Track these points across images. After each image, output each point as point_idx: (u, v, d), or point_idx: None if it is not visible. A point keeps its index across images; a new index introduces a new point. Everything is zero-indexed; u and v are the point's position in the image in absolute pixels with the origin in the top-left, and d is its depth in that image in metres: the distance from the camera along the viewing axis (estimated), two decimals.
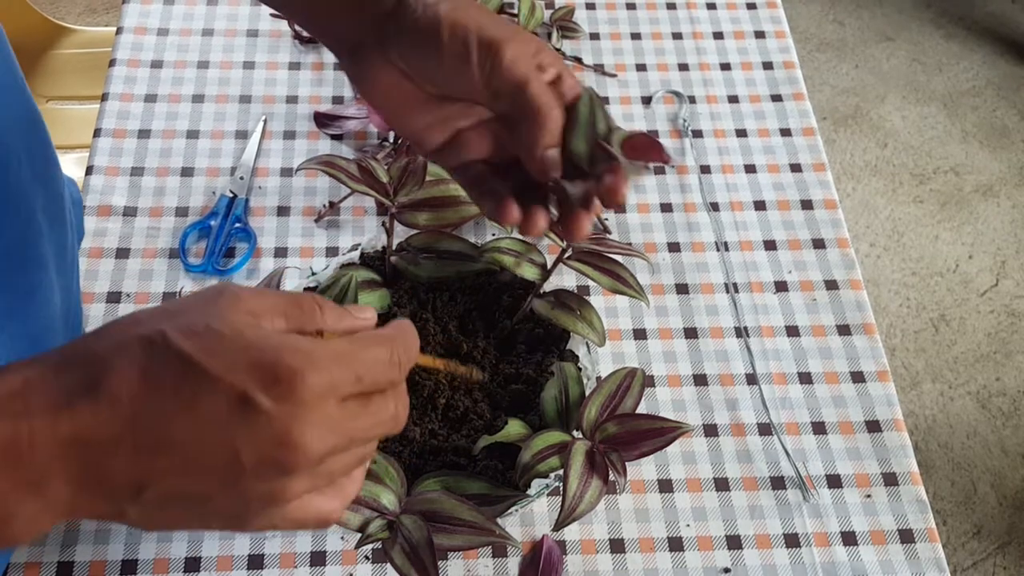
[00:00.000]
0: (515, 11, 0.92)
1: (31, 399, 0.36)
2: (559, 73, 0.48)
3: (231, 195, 0.81)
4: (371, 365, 0.39)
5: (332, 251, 0.78)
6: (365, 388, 0.39)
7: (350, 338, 0.41)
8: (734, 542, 0.66)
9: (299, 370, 0.36)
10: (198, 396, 0.36)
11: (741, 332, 0.76)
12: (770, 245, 0.81)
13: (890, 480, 0.69)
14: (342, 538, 0.65)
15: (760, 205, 0.83)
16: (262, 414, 0.36)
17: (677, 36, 0.94)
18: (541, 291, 0.66)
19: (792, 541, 0.66)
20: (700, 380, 0.73)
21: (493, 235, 0.76)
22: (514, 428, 0.60)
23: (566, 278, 0.77)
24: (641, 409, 0.61)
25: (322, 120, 0.86)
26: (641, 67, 0.92)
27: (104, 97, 0.87)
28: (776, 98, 0.90)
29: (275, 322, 0.39)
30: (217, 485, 0.37)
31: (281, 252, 0.78)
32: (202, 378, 0.36)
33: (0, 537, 0.36)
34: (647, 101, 0.89)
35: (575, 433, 0.60)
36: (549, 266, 0.65)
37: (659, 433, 0.59)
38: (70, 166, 1.25)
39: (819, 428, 0.71)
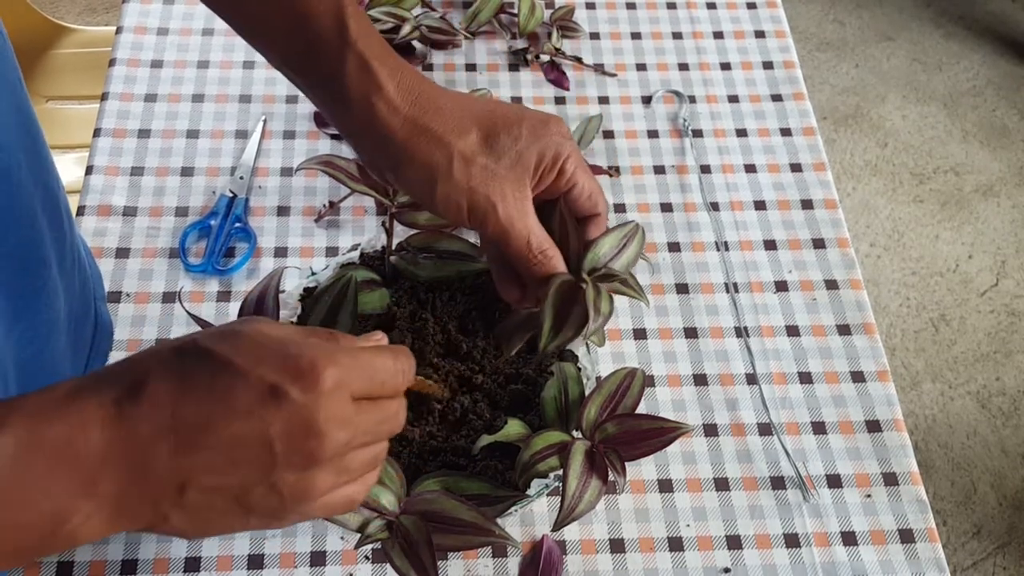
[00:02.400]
0: (515, 11, 0.92)
1: (83, 404, 0.38)
2: (573, 185, 0.52)
3: (231, 195, 0.81)
4: (380, 368, 0.43)
5: (332, 251, 0.78)
6: (374, 389, 0.43)
7: (359, 346, 0.44)
8: (734, 542, 0.66)
9: (319, 363, 0.40)
10: (231, 391, 0.39)
11: (741, 332, 0.76)
12: (770, 245, 0.81)
13: (890, 480, 0.69)
14: (342, 538, 0.65)
15: (760, 205, 0.83)
16: (290, 403, 0.39)
17: (677, 36, 0.94)
18: None
19: (792, 541, 0.66)
20: (700, 380, 0.73)
21: None
22: (514, 428, 0.60)
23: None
24: (641, 409, 0.61)
25: (322, 120, 0.86)
26: (641, 67, 0.92)
27: (104, 97, 0.87)
28: (776, 98, 0.90)
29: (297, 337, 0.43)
30: (253, 477, 0.39)
31: (281, 252, 0.78)
32: (233, 374, 0.39)
33: (57, 537, 0.38)
34: (647, 101, 0.89)
35: (575, 433, 0.60)
36: None
37: (659, 433, 0.59)
38: (70, 166, 1.25)
39: (819, 428, 0.71)
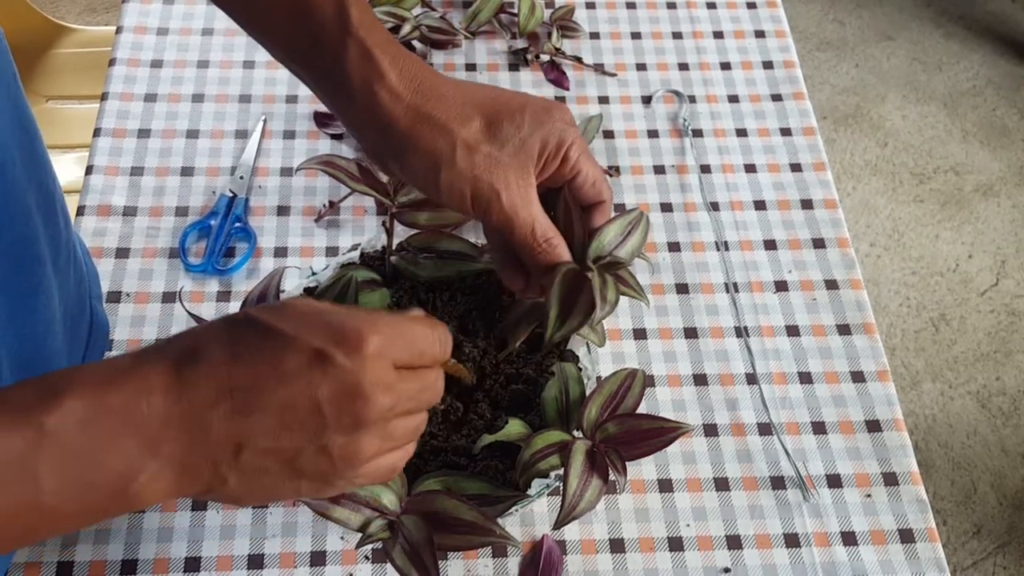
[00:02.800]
0: (515, 11, 0.92)
1: (146, 369, 0.41)
2: (577, 172, 0.52)
3: (231, 195, 0.81)
4: (419, 337, 0.45)
5: (332, 251, 0.78)
6: (414, 358, 0.45)
7: (400, 316, 0.46)
8: (734, 542, 0.66)
9: (363, 330, 0.42)
10: (281, 356, 0.41)
11: (741, 332, 0.76)
12: (770, 245, 0.81)
13: (890, 480, 0.69)
14: (342, 538, 0.65)
15: (760, 205, 0.83)
16: (337, 367, 0.41)
17: (677, 36, 0.94)
18: None
19: (792, 541, 0.66)
20: (700, 380, 0.73)
21: None
22: (514, 428, 0.60)
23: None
24: (641, 409, 0.61)
25: (322, 120, 0.86)
26: (641, 67, 0.92)
27: (104, 97, 0.87)
28: (776, 98, 0.90)
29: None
30: (304, 438, 0.41)
31: (281, 252, 0.78)
32: (282, 340, 0.41)
33: (125, 496, 0.40)
34: (647, 101, 0.89)
35: (575, 433, 0.60)
36: None
37: (659, 433, 0.59)
38: (70, 166, 1.25)
39: (819, 428, 0.71)
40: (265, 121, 0.85)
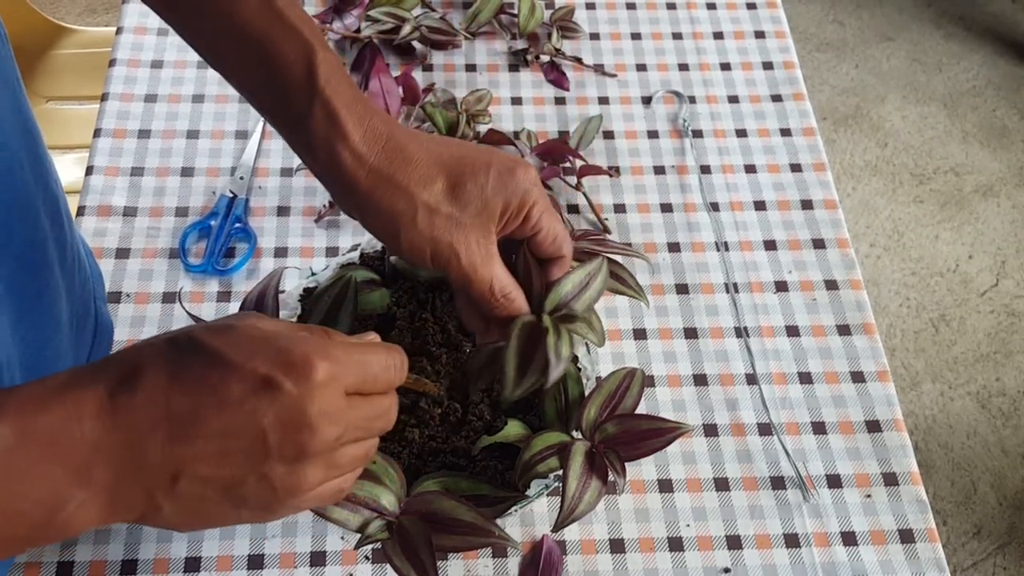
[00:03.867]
0: (515, 11, 0.92)
1: (78, 393, 0.39)
2: (539, 230, 0.52)
3: (231, 195, 0.81)
4: (372, 364, 0.44)
5: (332, 251, 0.78)
6: (367, 385, 0.43)
7: (352, 342, 0.45)
8: (734, 542, 0.66)
9: (312, 356, 0.40)
10: (224, 383, 0.39)
11: (741, 332, 0.76)
12: (770, 245, 0.81)
13: (890, 480, 0.69)
14: (342, 538, 0.65)
15: (760, 205, 0.83)
16: (283, 394, 0.39)
17: (677, 36, 0.94)
18: None
19: (792, 541, 0.66)
20: (700, 380, 0.73)
21: None
22: (513, 428, 0.60)
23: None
24: (641, 409, 0.61)
25: None
26: (641, 67, 0.92)
27: (104, 97, 0.87)
28: (776, 98, 0.90)
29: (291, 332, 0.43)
30: (245, 468, 0.40)
31: (281, 252, 0.78)
32: (227, 366, 0.40)
33: (51, 526, 0.38)
34: (647, 101, 0.90)
35: (575, 433, 0.60)
36: None
37: (659, 433, 0.59)
38: (70, 166, 1.25)
39: (819, 428, 0.71)
40: (265, 122, 0.85)
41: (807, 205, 0.83)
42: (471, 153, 0.51)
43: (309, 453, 0.40)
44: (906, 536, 0.67)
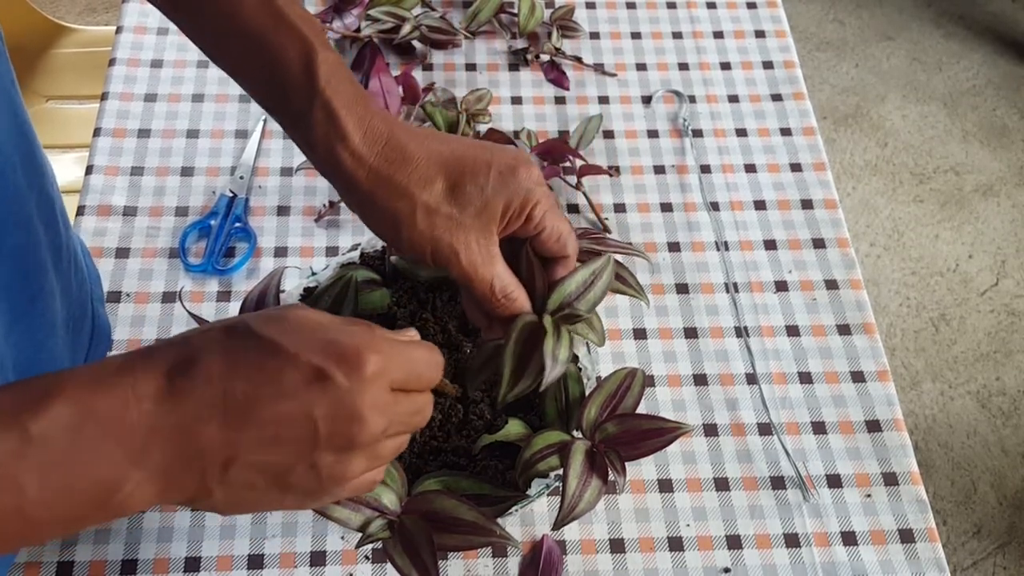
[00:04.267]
0: (515, 11, 0.92)
1: (137, 375, 0.40)
2: (543, 229, 0.52)
3: (231, 195, 0.81)
4: (417, 360, 0.45)
5: (332, 251, 0.78)
6: (410, 381, 0.45)
7: (399, 338, 0.46)
8: (734, 542, 0.66)
9: (364, 350, 0.41)
10: (279, 372, 0.40)
11: (741, 332, 0.76)
12: (770, 245, 0.81)
13: (890, 480, 0.69)
14: (342, 538, 0.65)
15: (760, 205, 0.83)
16: (336, 387, 0.40)
17: (677, 36, 0.94)
18: None
19: (792, 541, 0.66)
20: (700, 380, 0.73)
21: None
22: (514, 428, 0.60)
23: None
24: (641, 409, 0.61)
25: None
26: (641, 67, 0.92)
27: (104, 96, 0.87)
28: (776, 98, 0.90)
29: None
30: (296, 456, 0.41)
31: (281, 252, 0.78)
32: (282, 356, 0.41)
33: (108, 505, 0.39)
34: (647, 101, 0.89)
35: (575, 433, 0.60)
36: None
37: (659, 433, 0.59)
38: (70, 166, 1.25)
39: (819, 428, 0.71)
40: (265, 121, 0.85)
41: (807, 205, 0.83)
42: (472, 151, 0.51)
43: (357, 444, 0.41)
44: (906, 536, 0.67)
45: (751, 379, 0.73)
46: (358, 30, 0.90)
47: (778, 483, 0.69)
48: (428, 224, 0.50)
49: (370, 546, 0.64)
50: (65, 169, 1.24)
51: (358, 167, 0.49)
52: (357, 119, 0.50)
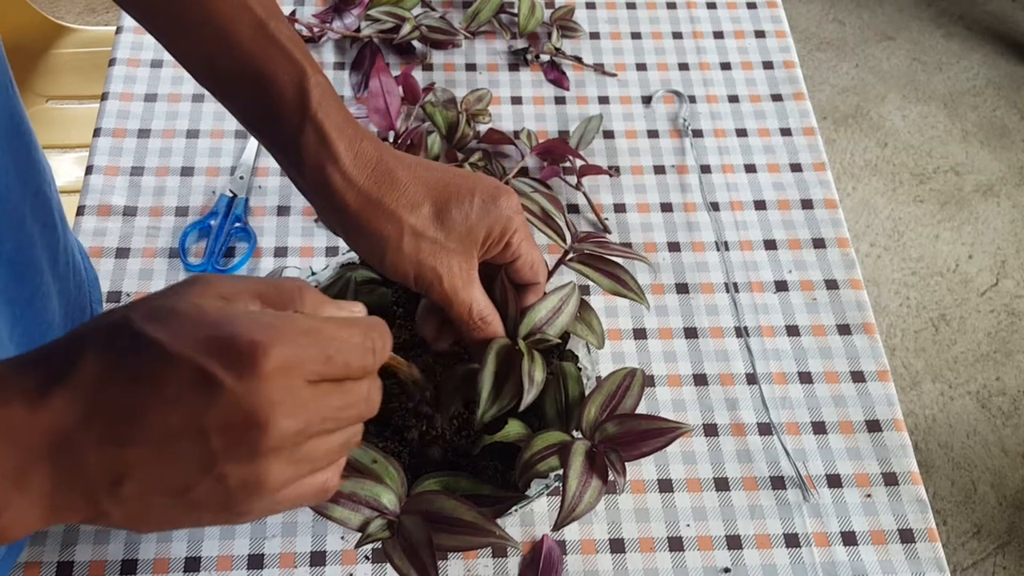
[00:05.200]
0: (515, 11, 0.92)
1: (10, 390, 0.35)
2: (517, 258, 0.55)
3: (231, 195, 0.81)
4: (342, 345, 0.39)
5: (332, 251, 0.78)
6: (336, 370, 0.39)
7: (322, 317, 0.40)
8: (734, 542, 0.66)
9: (261, 343, 0.35)
10: (160, 377, 0.35)
11: (741, 332, 0.76)
12: (770, 245, 0.81)
13: (890, 480, 0.69)
14: (342, 538, 0.65)
15: (760, 205, 0.83)
16: (224, 391, 0.35)
17: (677, 36, 0.94)
18: None
19: (792, 541, 0.66)
20: (700, 380, 0.73)
21: None
22: (514, 428, 0.60)
23: (566, 279, 0.76)
24: (641, 409, 0.61)
25: None
26: (641, 67, 0.92)
27: (104, 96, 0.87)
28: (776, 98, 0.90)
29: (248, 304, 0.39)
30: (193, 473, 0.36)
31: (281, 252, 0.78)
32: (163, 358, 0.35)
33: None
34: (647, 101, 0.89)
35: (575, 433, 0.60)
36: (550, 268, 0.65)
37: (659, 433, 0.59)
38: (70, 166, 1.25)
39: (819, 428, 0.71)
40: None
41: (807, 205, 0.83)
42: (456, 179, 0.53)
43: (263, 451, 0.36)
44: (906, 536, 0.67)
45: (751, 379, 0.73)
46: (358, 30, 0.90)
47: (778, 483, 0.69)
48: (414, 248, 0.51)
49: (370, 546, 0.64)
50: (65, 169, 1.24)
51: (347, 189, 0.50)
52: (347, 141, 0.51)
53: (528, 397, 0.54)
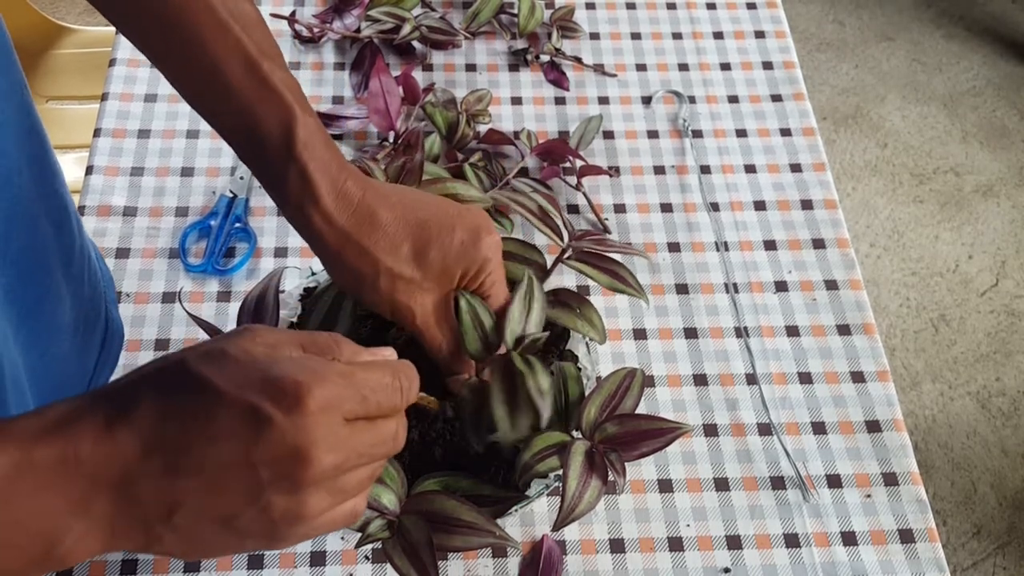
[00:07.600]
0: (515, 11, 0.92)
1: (79, 424, 0.38)
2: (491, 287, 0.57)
3: (231, 195, 0.81)
4: (375, 387, 0.42)
5: None
6: (370, 410, 0.42)
7: (356, 362, 0.44)
8: (734, 542, 0.66)
9: (305, 384, 0.39)
10: (213, 414, 0.38)
11: (741, 332, 0.76)
12: (770, 245, 0.81)
13: (890, 480, 0.69)
14: (342, 538, 0.65)
15: (760, 205, 0.83)
16: (273, 427, 0.38)
17: (677, 36, 0.94)
18: None
19: (792, 541, 0.66)
20: (700, 380, 0.73)
21: None
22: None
23: (566, 278, 0.77)
24: (641, 409, 0.61)
25: (322, 120, 0.86)
26: (641, 67, 0.92)
27: (104, 97, 0.87)
28: (776, 98, 0.90)
29: (291, 351, 0.42)
30: (241, 503, 0.39)
31: (281, 252, 0.78)
32: (215, 396, 0.38)
33: (49, 558, 0.38)
34: (647, 101, 0.90)
35: (575, 433, 0.60)
36: (548, 266, 0.65)
37: (659, 433, 0.59)
38: (70, 166, 1.25)
39: (819, 428, 0.71)
40: None
41: (807, 205, 0.83)
42: (439, 216, 0.55)
43: (306, 483, 0.39)
44: (906, 536, 0.67)
45: (751, 379, 0.73)
46: (358, 30, 0.90)
47: (778, 483, 0.69)
48: (389, 287, 0.53)
49: (370, 546, 0.64)
50: (65, 169, 1.23)
51: (327, 229, 0.52)
52: (331, 182, 0.52)
53: (546, 412, 0.56)
